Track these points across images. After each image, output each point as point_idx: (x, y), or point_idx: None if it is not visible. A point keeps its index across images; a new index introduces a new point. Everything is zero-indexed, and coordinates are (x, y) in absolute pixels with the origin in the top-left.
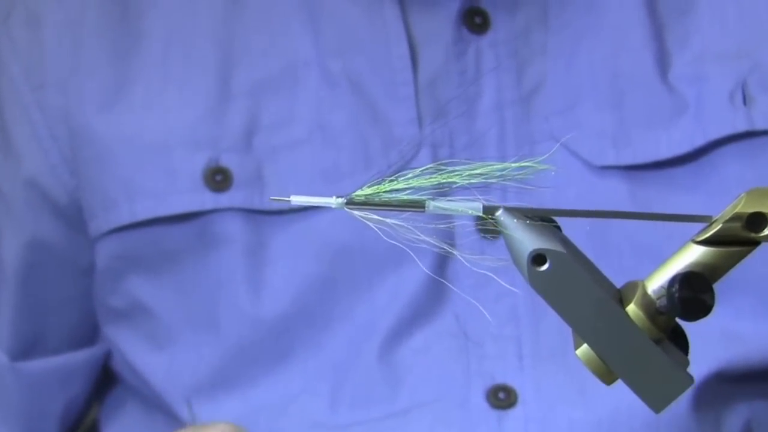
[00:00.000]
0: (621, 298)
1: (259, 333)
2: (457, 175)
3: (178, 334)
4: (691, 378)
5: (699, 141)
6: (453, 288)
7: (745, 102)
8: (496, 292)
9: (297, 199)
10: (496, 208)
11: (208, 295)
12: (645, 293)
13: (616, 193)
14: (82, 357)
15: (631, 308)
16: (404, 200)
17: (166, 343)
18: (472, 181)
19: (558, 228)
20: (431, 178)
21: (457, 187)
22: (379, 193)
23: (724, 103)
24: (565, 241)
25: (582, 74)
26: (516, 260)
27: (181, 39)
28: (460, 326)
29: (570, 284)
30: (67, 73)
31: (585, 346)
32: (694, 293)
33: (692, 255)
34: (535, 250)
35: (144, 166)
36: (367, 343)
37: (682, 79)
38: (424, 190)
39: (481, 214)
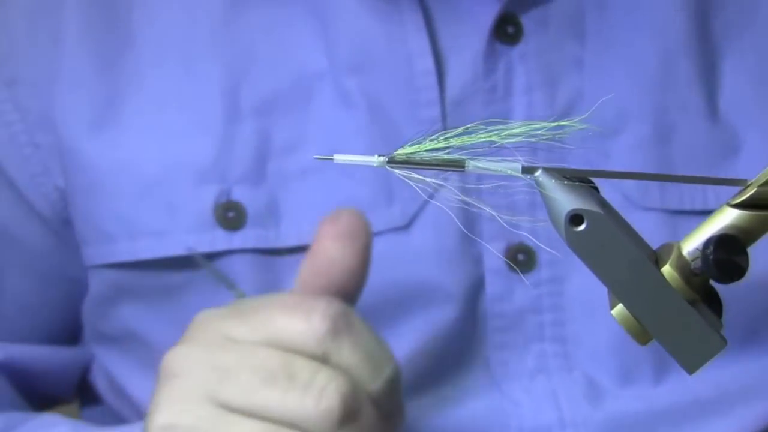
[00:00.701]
0: (657, 259)
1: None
2: (495, 134)
3: None
4: (724, 340)
5: None
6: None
7: None
8: (525, 336)
9: (340, 158)
10: (535, 169)
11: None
12: (680, 255)
13: (656, 237)
14: (53, 353)
15: (667, 269)
16: (444, 159)
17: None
18: (511, 140)
19: (596, 189)
20: (471, 137)
21: (496, 147)
22: (420, 151)
23: None
24: (603, 203)
25: (623, 96)
26: (554, 220)
27: (177, 45)
28: (491, 374)
29: (607, 244)
30: (45, 75)
31: (620, 306)
32: (728, 255)
33: (727, 218)
34: (572, 210)
35: (144, 200)
36: None
37: (736, 111)
38: (465, 149)
39: (519, 174)
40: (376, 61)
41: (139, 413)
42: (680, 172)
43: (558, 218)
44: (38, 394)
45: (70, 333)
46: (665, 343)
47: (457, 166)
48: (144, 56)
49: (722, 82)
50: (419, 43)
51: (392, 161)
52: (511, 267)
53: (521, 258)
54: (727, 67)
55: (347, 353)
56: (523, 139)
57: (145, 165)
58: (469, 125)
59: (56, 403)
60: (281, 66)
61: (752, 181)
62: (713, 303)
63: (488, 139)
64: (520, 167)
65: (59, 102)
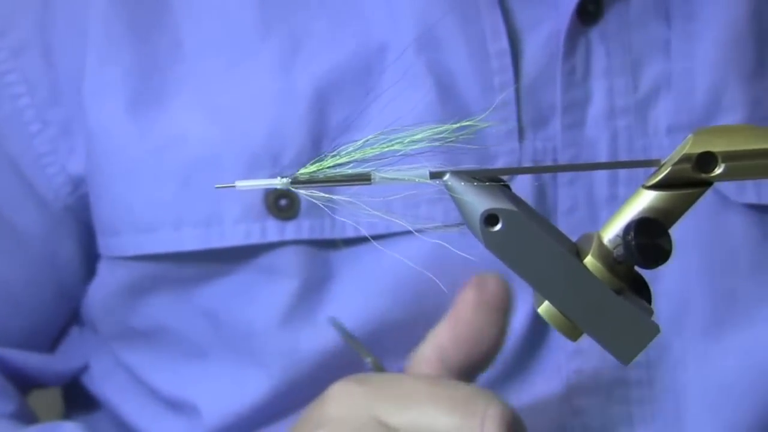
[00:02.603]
0: (578, 251)
1: (312, 371)
2: (398, 142)
3: (213, 358)
4: (657, 326)
5: None
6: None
7: None
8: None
9: (242, 184)
10: (443, 173)
11: (245, 327)
12: (601, 243)
13: (749, 236)
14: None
15: (589, 260)
16: (349, 174)
17: (200, 364)
18: (415, 147)
19: (507, 187)
20: (373, 148)
21: (401, 155)
22: (323, 169)
23: None
24: (517, 200)
25: (717, 82)
26: (469, 223)
27: (221, 15)
28: (564, 385)
29: (525, 242)
30: (67, 45)
31: (546, 303)
32: (650, 239)
33: (644, 201)
34: (486, 211)
35: (189, 185)
36: None
37: None
38: (368, 162)
39: (428, 180)
40: (446, 38)
41: (174, 410)
42: None
43: (473, 220)
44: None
45: (56, 327)
46: (596, 336)
47: (363, 179)
48: (183, 27)
49: None
50: (493, 21)
51: (296, 181)
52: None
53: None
54: None
55: None
56: (428, 145)
57: (189, 147)
58: (368, 137)
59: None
60: (340, 41)
61: (665, 160)
62: (641, 289)
63: (391, 148)
64: (428, 173)
65: (88, 77)
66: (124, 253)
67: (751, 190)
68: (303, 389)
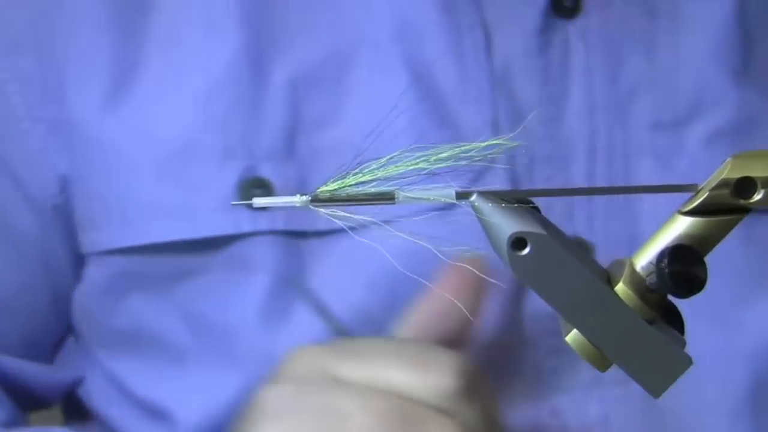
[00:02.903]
0: (609, 278)
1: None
2: (424, 160)
3: (191, 362)
4: (689, 358)
5: None
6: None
7: None
8: None
9: (259, 201)
10: (470, 193)
11: (223, 327)
12: (633, 271)
13: (729, 242)
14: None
15: (620, 288)
16: (372, 193)
17: (178, 368)
18: (440, 165)
19: (537, 209)
20: (397, 166)
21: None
22: (344, 187)
23: None
24: (546, 223)
25: (701, 79)
26: (495, 246)
27: (199, 10)
28: (541, 382)
29: (554, 267)
30: (52, 42)
31: (575, 331)
32: (684, 267)
33: (680, 227)
34: (514, 234)
35: (163, 177)
36: None
37: None
38: (392, 180)
39: (454, 200)
40: (422, 31)
41: (152, 417)
42: None
43: (499, 243)
44: (18, 399)
45: (52, 335)
46: (626, 367)
47: (387, 198)
48: (164, 23)
49: None
50: (469, 14)
51: (315, 200)
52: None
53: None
54: None
55: (472, 418)
56: (454, 163)
57: (163, 139)
58: (392, 154)
59: (36, 408)
60: (315, 34)
61: (703, 185)
62: (673, 319)
63: (417, 166)
64: (454, 193)
65: (70, 72)
66: (100, 247)
67: None
68: None
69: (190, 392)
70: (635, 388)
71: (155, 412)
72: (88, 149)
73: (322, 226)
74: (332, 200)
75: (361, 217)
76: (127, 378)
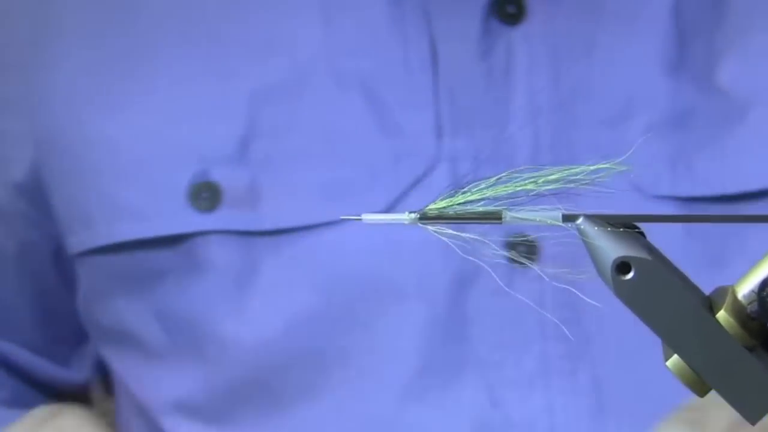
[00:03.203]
0: (711, 304)
1: (248, 370)
2: (532, 182)
3: (164, 360)
4: None
5: None
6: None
7: None
8: (525, 335)
9: (369, 217)
10: (577, 216)
11: (190, 323)
12: (735, 298)
13: (669, 227)
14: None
15: (722, 315)
16: (480, 212)
17: (156, 365)
18: (548, 187)
19: (642, 234)
20: (506, 186)
21: (533, 195)
22: (452, 205)
23: None
24: (650, 248)
25: (639, 79)
26: (600, 270)
27: (175, 23)
28: (483, 376)
29: (657, 292)
30: (22, 56)
31: (675, 356)
32: None
33: None
34: (619, 258)
35: (126, 181)
36: (374, 395)
37: (740, 82)
38: (500, 200)
39: (560, 222)
40: (374, 44)
41: (141, 415)
42: (699, 158)
43: (604, 267)
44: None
45: (58, 342)
46: (725, 393)
47: (494, 218)
48: (138, 36)
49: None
50: (416, 23)
51: (424, 217)
52: (511, 259)
53: (522, 250)
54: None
55: None
56: (562, 186)
57: (128, 144)
58: (501, 174)
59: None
60: (277, 50)
61: None
62: None
63: (524, 187)
64: (560, 216)
65: (42, 83)
66: (75, 249)
67: (666, 182)
68: (245, 388)
69: (168, 388)
70: (582, 378)
71: (141, 408)
72: (60, 155)
73: (268, 225)
74: (440, 218)
75: (468, 235)
76: (123, 375)
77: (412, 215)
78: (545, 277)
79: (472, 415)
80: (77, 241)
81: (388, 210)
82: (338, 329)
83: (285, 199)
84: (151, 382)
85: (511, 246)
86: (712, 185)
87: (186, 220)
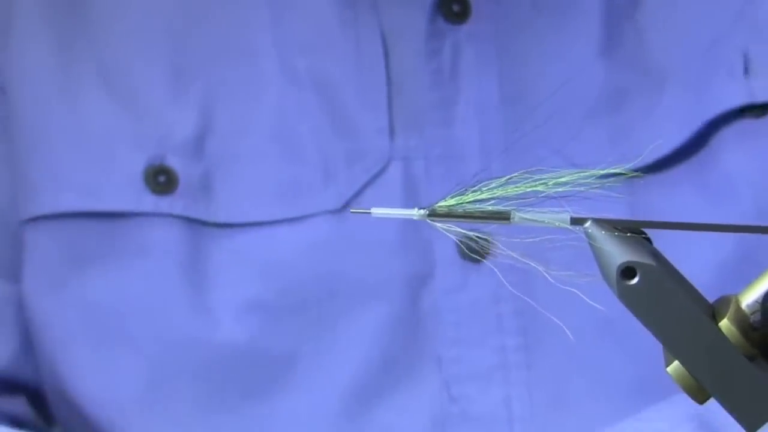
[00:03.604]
0: (714, 313)
1: (193, 366)
2: (542, 183)
3: (81, 345)
4: None
5: (696, 124)
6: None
7: (746, 72)
8: (482, 330)
9: (378, 211)
10: (585, 220)
11: (124, 312)
12: (738, 308)
13: (616, 204)
14: None
15: (724, 324)
16: (488, 211)
17: (71, 350)
18: (559, 189)
19: (648, 240)
20: (517, 187)
21: (542, 197)
22: (462, 203)
23: (722, 76)
24: (656, 254)
25: (575, 66)
26: (605, 274)
27: (133, 15)
28: (441, 372)
29: (661, 298)
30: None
31: (676, 363)
32: None
33: None
34: (624, 263)
35: (80, 156)
36: (330, 393)
37: (662, 56)
38: (510, 200)
39: (568, 225)
40: (327, 42)
41: (61, 397)
42: (637, 138)
43: (609, 271)
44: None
45: None
46: (724, 401)
47: (502, 218)
48: (100, 27)
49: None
50: (368, 23)
51: (433, 214)
52: (465, 256)
53: (475, 245)
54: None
55: None
56: (572, 188)
57: (87, 124)
58: (512, 175)
59: None
60: (232, 47)
61: None
62: None
63: (534, 188)
64: (569, 218)
65: (7, 63)
66: (21, 216)
67: (609, 162)
68: (183, 380)
69: (94, 379)
70: (539, 370)
71: (61, 393)
72: (24, 127)
73: (222, 218)
74: (449, 215)
75: (475, 234)
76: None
77: (422, 211)
78: (550, 279)
79: (431, 410)
80: (24, 207)
81: (342, 208)
82: (293, 327)
83: (239, 195)
84: (90, 373)
85: (462, 242)
86: (645, 156)
87: (141, 199)
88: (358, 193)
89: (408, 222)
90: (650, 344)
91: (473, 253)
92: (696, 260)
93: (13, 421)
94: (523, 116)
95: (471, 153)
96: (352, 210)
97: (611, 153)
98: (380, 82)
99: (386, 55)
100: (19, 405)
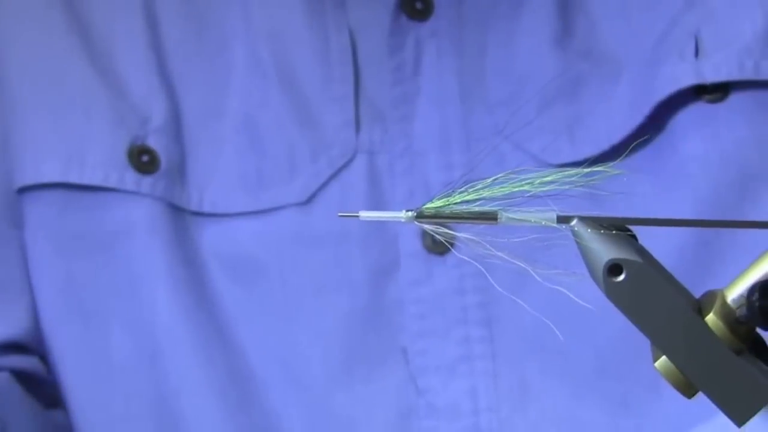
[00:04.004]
0: (700, 308)
1: (182, 345)
2: (528, 183)
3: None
4: None
5: (646, 108)
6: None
7: (697, 54)
8: (446, 322)
9: (366, 215)
10: (571, 218)
11: (113, 291)
12: (724, 302)
13: (574, 192)
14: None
15: (711, 318)
16: (475, 212)
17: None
18: (544, 188)
19: (634, 237)
20: (503, 187)
21: (529, 196)
22: (449, 204)
23: (673, 59)
24: (642, 251)
25: (531, 56)
26: (591, 271)
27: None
28: (407, 365)
29: (647, 295)
30: None
31: (664, 358)
32: None
33: None
34: (611, 260)
35: (63, 128)
36: (296, 386)
37: (615, 45)
38: (496, 201)
39: (554, 224)
40: (295, 35)
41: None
42: (594, 126)
43: (596, 269)
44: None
45: None
46: (712, 394)
47: (490, 218)
48: (85, 3)
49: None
50: (336, 17)
51: (421, 216)
52: (429, 248)
53: (438, 239)
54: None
55: None
56: (557, 188)
57: (66, 86)
58: (498, 175)
59: None
60: (202, 35)
61: None
62: (760, 351)
63: (521, 188)
64: (555, 217)
65: None
66: (12, 186)
67: (566, 150)
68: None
69: (80, 355)
70: (502, 360)
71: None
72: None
73: (193, 207)
74: (436, 216)
75: (464, 235)
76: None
77: (409, 213)
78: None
79: (397, 403)
80: (8, 178)
81: (307, 201)
82: (258, 320)
83: (207, 184)
84: (78, 353)
85: (426, 234)
86: (602, 140)
87: (123, 176)
88: (323, 187)
89: None
90: (610, 330)
91: (437, 247)
92: (656, 245)
93: (24, 377)
94: (483, 109)
95: (432, 147)
96: (339, 214)
97: (568, 141)
98: (347, 76)
99: (354, 48)
100: (33, 362)
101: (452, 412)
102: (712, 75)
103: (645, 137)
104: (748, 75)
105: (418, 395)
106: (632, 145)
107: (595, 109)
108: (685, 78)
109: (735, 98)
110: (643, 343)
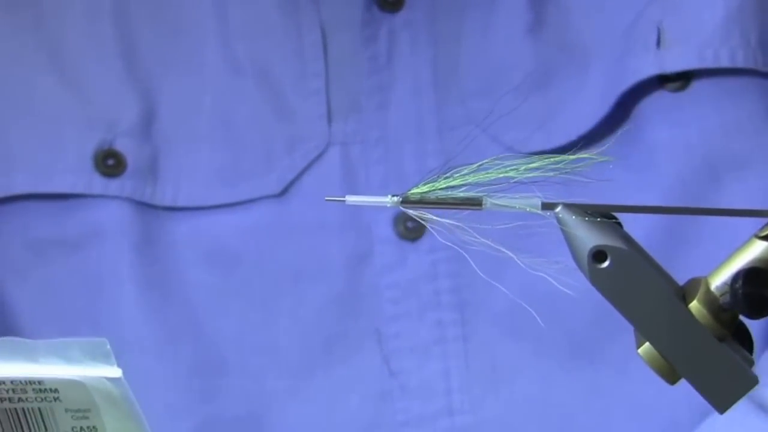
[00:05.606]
0: (684, 294)
1: (146, 341)
2: (513, 169)
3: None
4: (755, 377)
5: (611, 97)
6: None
7: (659, 45)
8: (420, 306)
9: (352, 199)
10: (556, 205)
11: (83, 293)
12: (708, 290)
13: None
14: None
15: (694, 305)
16: (460, 198)
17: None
18: (529, 175)
19: (619, 224)
20: (488, 173)
21: (514, 182)
22: (434, 190)
23: (638, 50)
24: (627, 238)
25: (504, 47)
26: (576, 258)
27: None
28: (381, 347)
29: (632, 281)
30: None
31: (647, 344)
32: (757, 289)
33: (756, 250)
34: (595, 247)
35: (31, 139)
36: (271, 372)
37: (586, 35)
38: (482, 186)
39: (539, 211)
40: (267, 29)
41: None
42: (565, 115)
43: (580, 255)
44: None
45: None
46: (695, 381)
47: (474, 204)
48: (52, 12)
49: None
50: (309, 13)
51: (406, 201)
52: (402, 234)
53: (411, 226)
54: None
55: None
56: (542, 174)
57: (36, 104)
58: (484, 161)
59: None
60: (174, 32)
61: None
62: (743, 339)
63: (506, 174)
64: (539, 203)
65: None
66: None
67: (538, 139)
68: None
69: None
70: (475, 342)
71: None
72: None
73: (167, 201)
74: (422, 202)
75: (449, 221)
76: None
77: (395, 198)
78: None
79: (371, 385)
80: None
81: (282, 193)
82: (235, 309)
83: (182, 179)
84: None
85: (399, 221)
86: (571, 129)
87: (90, 181)
88: (297, 178)
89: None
90: (582, 314)
91: (410, 233)
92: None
93: None
94: (456, 98)
95: (407, 136)
96: (326, 198)
97: (539, 129)
98: (319, 70)
99: (325, 43)
100: None
101: (425, 393)
102: (672, 65)
103: (616, 127)
104: (708, 63)
105: (392, 377)
106: (611, 136)
107: (566, 98)
108: (647, 68)
109: (698, 87)
110: (613, 327)
